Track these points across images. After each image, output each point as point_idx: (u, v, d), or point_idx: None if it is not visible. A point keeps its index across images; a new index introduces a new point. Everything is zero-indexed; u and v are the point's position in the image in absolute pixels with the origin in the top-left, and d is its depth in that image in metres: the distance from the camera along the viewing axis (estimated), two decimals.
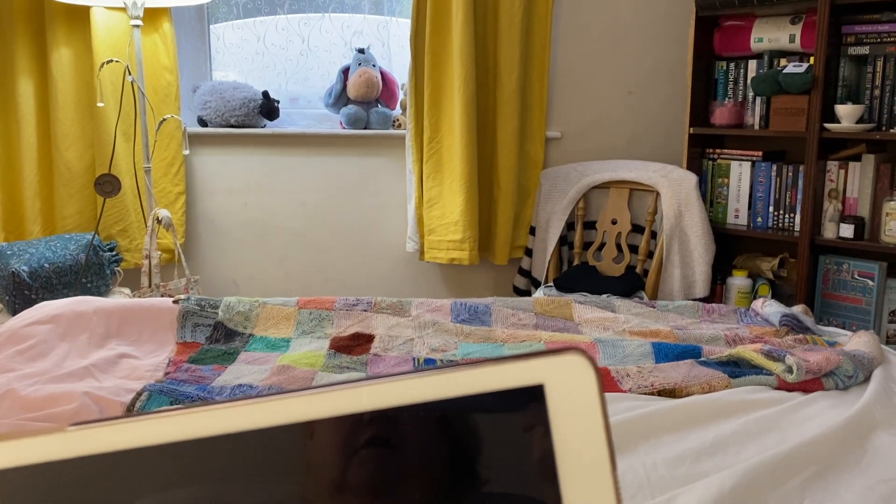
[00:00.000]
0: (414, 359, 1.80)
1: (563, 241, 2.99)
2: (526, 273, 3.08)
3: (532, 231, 3.06)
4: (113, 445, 0.32)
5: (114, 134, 2.88)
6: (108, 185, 2.70)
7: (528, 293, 3.06)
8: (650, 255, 2.88)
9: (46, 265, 2.60)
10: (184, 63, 3.10)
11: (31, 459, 0.33)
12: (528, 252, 3.07)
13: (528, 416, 0.32)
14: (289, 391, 0.33)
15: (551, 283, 2.83)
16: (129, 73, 2.78)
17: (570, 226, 2.99)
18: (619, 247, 2.93)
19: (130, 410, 1.47)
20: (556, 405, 0.32)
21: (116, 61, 2.79)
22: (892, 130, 2.53)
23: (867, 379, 1.64)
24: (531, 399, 0.32)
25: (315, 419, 0.32)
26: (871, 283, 2.60)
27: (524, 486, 0.32)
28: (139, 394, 1.53)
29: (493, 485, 0.33)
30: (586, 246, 2.98)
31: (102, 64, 2.78)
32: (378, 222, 3.20)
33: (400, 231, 3.18)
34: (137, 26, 2.74)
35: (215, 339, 1.93)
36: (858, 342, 1.79)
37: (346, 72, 3.10)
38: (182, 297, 2.03)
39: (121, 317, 1.93)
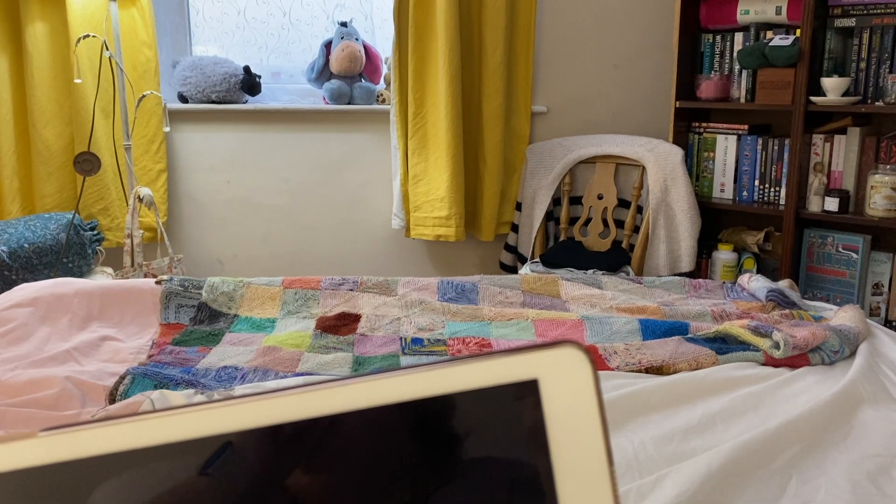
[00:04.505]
0: (401, 338, 1.79)
1: (550, 216, 2.98)
2: (512, 249, 3.07)
3: (518, 207, 3.04)
4: (83, 452, 0.31)
5: (92, 111, 2.82)
6: (87, 163, 2.65)
7: (514, 269, 3.05)
8: (636, 229, 2.87)
9: (26, 245, 2.56)
10: (163, 38, 3.04)
11: (1, 467, 0.31)
12: (515, 228, 3.06)
13: (522, 412, 0.31)
14: (271, 391, 0.32)
15: (538, 259, 2.83)
16: (107, 49, 2.72)
17: (556, 201, 2.98)
18: (605, 222, 2.92)
19: (114, 395, 1.45)
20: (551, 401, 0.31)
21: (93, 36, 2.73)
22: (877, 103, 2.52)
23: (853, 354, 1.65)
24: (525, 395, 0.31)
25: (307, 418, 0.31)
26: (855, 255, 2.61)
27: (520, 483, 0.32)
28: (122, 377, 1.51)
29: (487, 482, 0.32)
30: (572, 221, 2.97)
31: (79, 39, 2.71)
32: (363, 199, 3.17)
33: (385, 208, 3.16)
34: (114, 0, 2.68)
35: (199, 320, 1.90)
36: (844, 317, 1.80)
37: (328, 46, 3.05)
38: (165, 277, 2.01)
39: (102, 298, 1.91)
